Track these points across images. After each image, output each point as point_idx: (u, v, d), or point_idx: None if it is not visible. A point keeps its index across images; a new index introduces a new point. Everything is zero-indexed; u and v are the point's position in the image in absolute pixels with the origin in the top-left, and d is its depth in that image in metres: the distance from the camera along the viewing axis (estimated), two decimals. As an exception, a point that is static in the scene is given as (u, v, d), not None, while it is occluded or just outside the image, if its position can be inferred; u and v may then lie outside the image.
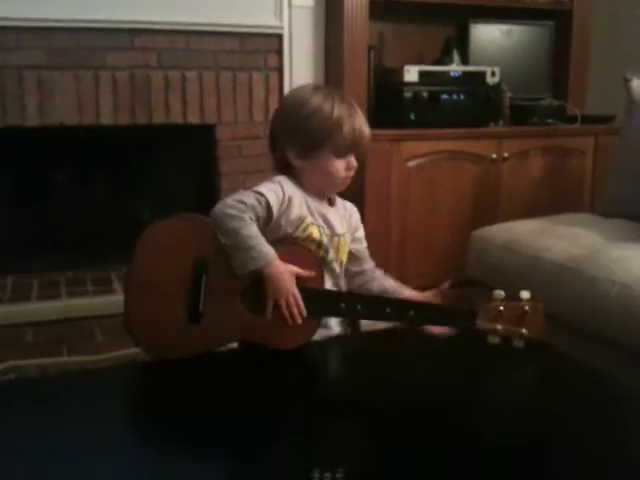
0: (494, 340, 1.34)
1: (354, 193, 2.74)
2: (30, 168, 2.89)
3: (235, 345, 1.45)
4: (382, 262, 2.69)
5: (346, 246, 1.53)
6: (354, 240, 1.58)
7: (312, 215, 1.47)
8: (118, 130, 2.80)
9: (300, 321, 1.35)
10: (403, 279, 2.78)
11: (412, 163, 2.80)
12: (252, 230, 1.35)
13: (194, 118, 2.86)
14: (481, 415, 1.19)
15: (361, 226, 1.61)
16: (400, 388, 1.29)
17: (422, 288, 2.61)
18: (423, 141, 2.81)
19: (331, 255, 1.48)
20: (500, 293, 1.35)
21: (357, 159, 1.48)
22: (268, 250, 1.34)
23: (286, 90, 2.94)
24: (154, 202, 3.02)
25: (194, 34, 2.79)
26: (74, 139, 2.80)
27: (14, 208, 2.92)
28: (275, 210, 1.40)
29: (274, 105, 2.92)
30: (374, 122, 2.88)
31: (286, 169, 1.49)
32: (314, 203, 1.48)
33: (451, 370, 1.39)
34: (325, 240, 1.47)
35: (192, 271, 1.35)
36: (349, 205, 1.60)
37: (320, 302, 1.38)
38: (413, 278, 2.83)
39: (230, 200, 1.37)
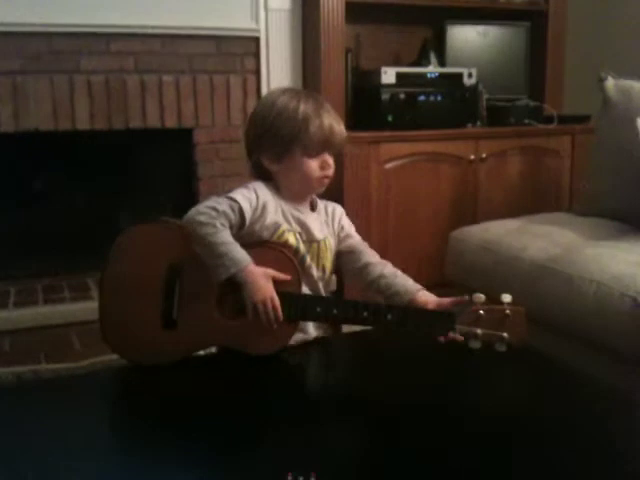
0: (475, 345, 1.31)
1: (333, 195, 2.76)
2: (6, 174, 2.86)
3: (213, 350, 1.44)
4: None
5: (328, 251, 1.49)
6: (342, 239, 1.53)
7: (288, 221, 1.44)
8: (95, 135, 2.77)
9: (275, 326, 1.34)
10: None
11: (390, 165, 2.81)
12: (223, 237, 1.33)
13: (171, 122, 2.85)
14: (464, 419, 1.18)
15: (347, 222, 1.56)
16: (380, 391, 1.28)
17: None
18: (401, 143, 2.82)
19: (308, 261, 1.46)
20: (480, 296, 1.32)
21: (333, 158, 1.46)
22: (241, 256, 1.33)
23: (264, 93, 2.93)
24: (132, 207, 3.00)
25: (170, 38, 2.78)
26: (51, 145, 2.77)
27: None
28: (248, 216, 1.39)
29: (252, 108, 2.90)
30: (352, 124, 2.91)
31: (263, 175, 1.48)
32: (290, 209, 1.46)
33: (433, 373, 1.38)
34: (302, 247, 1.45)
35: (166, 277, 1.34)
36: (332, 205, 1.56)
37: (296, 306, 1.36)
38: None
39: (202, 207, 1.35)
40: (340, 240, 1.54)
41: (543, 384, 1.35)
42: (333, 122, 1.43)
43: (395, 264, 2.79)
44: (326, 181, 1.46)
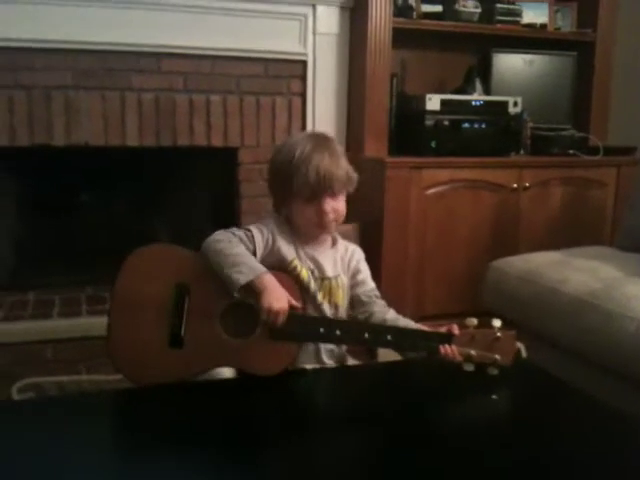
0: (469, 368, 1.39)
1: (373, 218, 2.78)
2: (56, 186, 2.94)
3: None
4: (399, 289, 2.75)
5: (340, 289, 1.51)
6: (356, 284, 1.56)
7: (300, 258, 1.47)
8: (143, 151, 2.84)
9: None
10: (420, 306, 2.83)
11: (432, 191, 2.81)
12: (240, 249, 1.39)
13: (217, 141, 2.90)
14: (480, 444, 1.19)
15: (364, 268, 1.58)
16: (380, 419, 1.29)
17: (439, 316, 2.64)
18: (443, 169, 2.82)
19: (319, 298, 1.48)
20: (472, 320, 1.41)
21: (342, 198, 1.46)
22: (258, 266, 1.37)
23: (309, 115, 2.97)
24: (176, 223, 3.06)
25: (219, 59, 2.84)
26: (100, 159, 2.85)
27: (38, 225, 2.97)
28: (260, 246, 1.43)
29: (296, 130, 2.95)
30: (395, 149, 2.93)
31: (282, 213, 1.52)
32: (304, 245, 1.49)
33: (446, 398, 1.40)
34: (313, 283, 1.47)
35: (174, 295, 1.37)
36: (352, 247, 1.58)
37: (299, 326, 1.39)
38: (430, 306, 2.85)
39: (219, 231, 1.43)
40: (353, 284, 1.55)
41: (580, 420, 1.34)
42: (328, 166, 1.42)
43: (431, 288, 2.83)
44: (331, 224, 1.46)
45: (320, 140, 1.49)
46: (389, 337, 1.41)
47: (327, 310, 1.49)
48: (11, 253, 2.93)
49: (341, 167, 1.46)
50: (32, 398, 2.20)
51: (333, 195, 1.44)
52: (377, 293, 1.58)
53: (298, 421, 1.27)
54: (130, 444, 1.20)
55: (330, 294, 1.50)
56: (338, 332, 1.41)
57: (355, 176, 1.51)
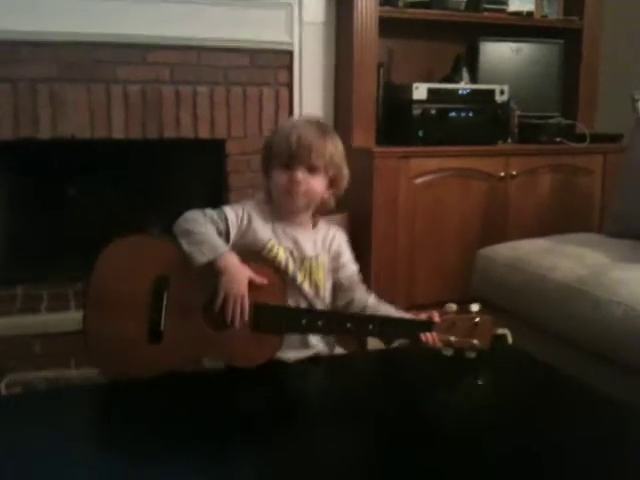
0: (448, 352, 1.41)
1: (362, 208, 2.78)
2: (42, 180, 2.92)
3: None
4: (389, 278, 2.76)
5: (320, 269, 1.52)
6: (337, 268, 1.56)
7: (278, 237, 1.48)
8: (129, 143, 2.82)
9: (237, 325, 1.35)
10: (411, 295, 2.83)
11: (420, 180, 2.81)
12: (207, 228, 1.38)
13: (204, 133, 2.88)
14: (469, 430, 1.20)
15: (345, 251, 1.58)
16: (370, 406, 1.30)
17: (429, 306, 2.64)
18: (431, 158, 2.82)
19: (299, 278, 1.48)
20: (452, 306, 1.44)
21: (333, 180, 1.49)
22: (221, 245, 1.37)
23: (296, 105, 2.96)
24: (163, 215, 3.03)
25: (205, 50, 2.82)
26: (86, 152, 2.83)
27: (25, 219, 2.94)
28: (233, 225, 1.44)
29: (283, 120, 2.94)
30: (382, 138, 2.93)
31: (269, 198, 1.53)
32: (283, 226, 1.50)
33: (433, 387, 1.42)
34: (291, 263, 1.48)
35: (152, 289, 1.34)
36: (333, 230, 1.59)
37: (281, 319, 1.39)
38: (421, 295, 2.85)
39: (189, 211, 1.43)
40: (334, 267, 1.55)
41: (569, 406, 1.35)
42: (304, 135, 1.44)
43: (422, 278, 2.83)
44: (297, 197, 1.46)
45: (314, 120, 1.54)
46: (371, 326, 1.42)
47: (307, 290, 1.50)
48: (-2, 247, 2.92)
49: (324, 145, 1.47)
50: (19, 393, 2.19)
51: (311, 169, 1.46)
52: (358, 278, 1.59)
53: (281, 414, 1.27)
54: (116, 438, 1.19)
55: (310, 274, 1.50)
56: (320, 323, 1.41)
57: (343, 167, 1.52)
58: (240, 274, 1.35)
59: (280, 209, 1.51)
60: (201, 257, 1.33)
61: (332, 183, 1.51)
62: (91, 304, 1.35)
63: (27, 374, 2.44)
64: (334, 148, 1.49)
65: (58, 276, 2.92)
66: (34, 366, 2.49)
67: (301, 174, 1.45)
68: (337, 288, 1.56)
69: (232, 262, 1.35)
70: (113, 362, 1.34)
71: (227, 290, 1.34)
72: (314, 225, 1.56)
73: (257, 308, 1.36)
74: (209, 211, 1.44)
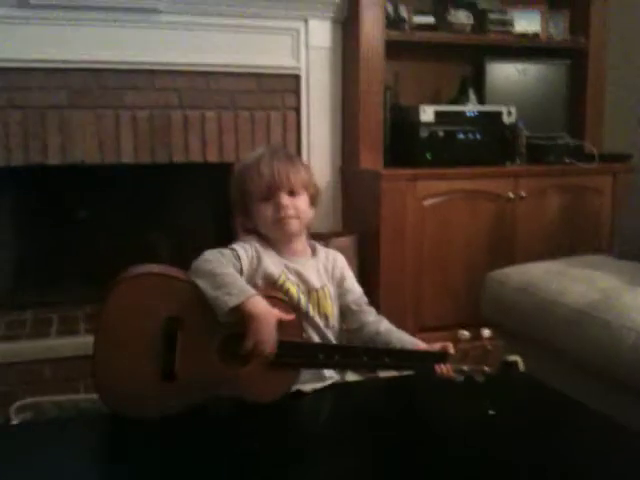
0: (459, 379, 1.41)
1: (369, 230, 2.78)
2: (51, 204, 2.94)
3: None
4: (397, 300, 2.75)
5: (328, 299, 1.50)
6: (344, 293, 1.54)
7: (285, 273, 1.46)
8: (139, 167, 2.84)
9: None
10: (419, 318, 2.82)
11: (428, 202, 2.81)
12: (229, 270, 1.35)
13: (213, 156, 2.90)
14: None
15: (348, 274, 1.57)
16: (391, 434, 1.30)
17: (437, 327, 2.64)
18: (439, 180, 2.82)
19: (311, 311, 1.47)
20: (465, 334, 1.42)
21: (312, 197, 1.49)
22: (247, 287, 1.33)
23: (303, 129, 2.98)
24: (173, 238, 3.07)
25: (213, 75, 2.85)
26: (95, 177, 2.85)
27: (35, 243, 2.96)
28: (246, 263, 1.41)
29: (291, 144, 2.95)
30: (390, 161, 2.93)
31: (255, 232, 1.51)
32: (285, 260, 1.47)
33: (445, 414, 1.42)
34: (303, 297, 1.46)
35: (165, 329, 1.32)
36: (333, 254, 1.57)
37: (298, 354, 1.38)
38: (429, 316, 2.84)
39: (206, 252, 1.39)
40: (341, 293, 1.54)
41: (581, 434, 1.34)
42: (280, 166, 1.45)
43: (429, 299, 2.83)
44: (290, 221, 1.45)
45: (274, 146, 1.59)
46: (387, 360, 1.41)
47: (320, 323, 1.48)
48: (9, 272, 2.93)
49: (297, 168, 1.47)
50: (26, 422, 2.19)
51: (291, 193, 1.45)
52: (365, 299, 1.57)
53: (300, 446, 1.27)
54: (127, 474, 1.18)
55: (319, 305, 1.48)
56: (337, 357, 1.40)
57: (316, 182, 1.53)
58: (270, 318, 1.32)
59: (275, 243, 1.48)
60: (230, 301, 1.29)
61: (312, 200, 1.51)
62: (101, 341, 1.32)
63: (37, 399, 2.44)
64: (306, 169, 1.51)
65: (68, 299, 2.93)
66: (44, 391, 2.48)
67: (285, 200, 1.44)
68: (346, 313, 1.55)
69: (261, 305, 1.31)
70: (125, 401, 1.32)
71: (258, 337, 1.30)
72: (313, 252, 1.54)
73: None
74: (224, 250, 1.41)
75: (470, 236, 2.87)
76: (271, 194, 1.44)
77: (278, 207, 1.44)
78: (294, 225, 1.46)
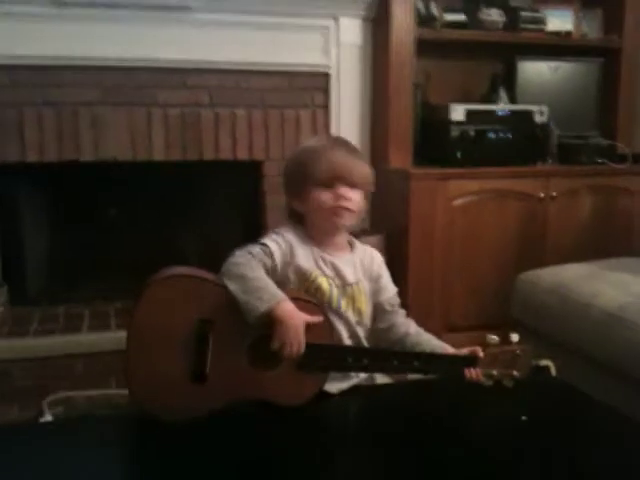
0: (488, 383, 1.41)
1: (398, 230, 2.78)
2: (84, 200, 2.98)
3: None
4: (426, 300, 2.75)
5: (362, 295, 1.50)
6: (379, 290, 1.54)
7: (319, 267, 1.46)
8: (169, 165, 2.87)
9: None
10: (447, 318, 2.82)
11: (458, 201, 2.80)
12: (260, 274, 1.36)
13: (243, 154, 2.92)
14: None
15: (385, 272, 1.57)
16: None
17: (465, 328, 2.63)
18: (469, 180, 2.81)
19: (343, 306, 1.47)
20: (494, 338, 1.42)
21: (362, 194, 1.48)
22: (278, 292, 1.34)
23: (332, 127, 2.98)
24: (203, 235, 3.09)
25: (243, 73, 2.86)
26: (127, 174, 2.88)
27: (66, 239, 3.01)
28: (278, 259, 1.42)
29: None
30: (419, 160, 2.92)
31: (297, 219, 1.51)
32: (322, 253, 1.48)
33: (477, 420, 1.42)
34: (335, 292, 1.46)
35: (196, 331, 1.32)
36: (370, 251, 1.57)
37: (326, 358, 1.38)
38: (457, 317, 2.84)
39: (238, 252, 1.40)
40: (375, 290, 1.54)
41: (614, 441, 1.33)
42: (346, 157, 1.46)
43: (458, 299, 2.82)
44: (344, 213, 1.46)
45: (340, 138, 1.55)
46: (416, 363, 1.41)
47: (352, 318, 1.48)
48: (41, 268, 2.97)
49: (361, 163, 1.49)
50: (56, 419, 2.22)
51: (351, 185, 1.45)
52: (398, 300, 1.58)
53: (327, 448, 1.27)
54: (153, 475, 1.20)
55: (353, 300, 1.49)
56: (366, 361, 1.41)
57: (373, 178, 1.52)
58: (298, 322, 1.32)
59: (319, 234, 1.49)
60: (260, 306, 1.30)
61: (366, 197, 1.52)
62: (133, 342, 1.33)
63: (69, 393, 2.48)
64: (368, 165, 1.51)
65: (99, 295, 2.97)
66: (76, 385, 2.52)
67: (345, 192, 1.45)
68: (379, 311, 1.55)
69: (290, 310, 1.32)
70: (155, 402, 1.32)
71: (285, 339, 1.31)
72: (351, 247, 1.55)
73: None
74: (255, 249, 1.41)
75: (500, 236, 2.86)
76: (332, 183, 1.44)
77: (337, 197, 1.44)
78: (348, 218, 1.47)
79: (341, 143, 1.51)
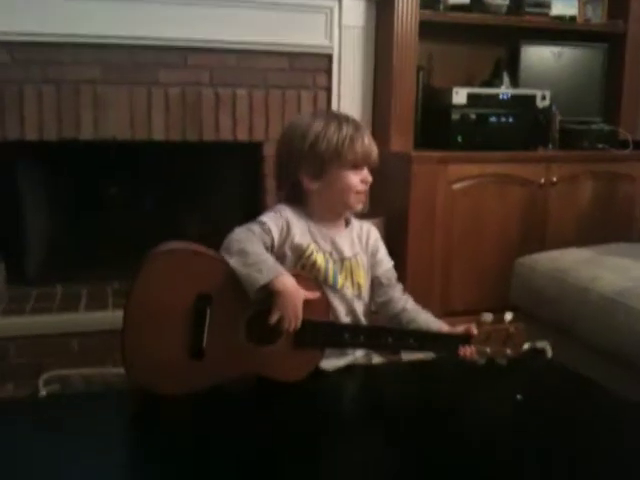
0: (481, 361, 1.43)
1: (398, 212, 2.77)
2: (82, 180, 2.97)
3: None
4: (425, 284, 2.74)
5: (361, 268, 1.53)
6: (375, 264, 1.57)
7: (316, 241, 1.48)
8: (168, 146, 2.85)
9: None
10: (446, 302, 2.81)
11: (458, 185, 2.79)
12: (260, 248, 1.37)
13: (243, 135, 2.90)
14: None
15: (381, 246, 1.59)
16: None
17: (465, 312, 2.63)
18: (470, 163, 2.80)
19: (340, 281, 1.49)
20: (488, 316, 1.44)
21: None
22: (276, 265, 1.35)
23: (334, 108, 2.95)
24: (202, 216, 3.08)
25: (245, 53, 2.83)
26: (127, 153, 2.87)
27: (65, 218, 3.00)
28: (276, 236, 1.44)
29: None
30: (421, 143, 2.91)
31: (297, 196, 1.52)
32: (320, 228, 1.50)
33: (473, 399, 1.42)
34: (331, 266, 1.48)
35: (194, 306, 1.32)
36: (367, 226, 1.60)
37: (323, 334, 1.38)
38: (457, 300, 2.83)
39: (237, 229, 1.41)
40: (373, 263, 1.57)
41: (612, 422, 1.33)
42: (370, 140, 1.49)
43: (458, 283, 2.82)
44: (363, 197, 1.51)
45: (351, 117, 1.54)
46: (412, 341, 1.44)
47: (350, 293, 1.50)
48: (39, 247, 2.96)
49: (374, 144, 1.51)
50: (53, 394, 2.22)
51: (370, 168, 1.50)
52: (395, 274, 1.60)
53: (323, 426, 1.27)
54: (151, 450, 1.20)
55: (352, 274, 1.51)
56: (362, 338, 1.42)
57: None
58: (296, 295, 1.33)
59: (326, 211, 1.51)
60: (260, 278, 1.30)
61: None
62: (130, 317, 1.33)
63: (65, 371, 2.48)
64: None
65: (97, 275, 2.96)
66: (72, 364, 2.52)
67: (368, 173, 1.50)
68: (376, 285, 1.57)
69: (289, 284, 1.33)
70: (153, 377, 1.32)
71: (284, 311, 1.32)
72: (347, 223, 1.57)
73: (301, 324, 1.35)
74: (254, 227, 1.42)
75: (500, 221, 2.85)
76: (362, 166, 1.48)
77: (364, 180, 1.48)
78: (363, 201, 1.52)
79: (359, 125, 1.51)
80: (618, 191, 2.99)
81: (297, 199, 1.52)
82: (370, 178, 1.49)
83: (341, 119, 1.49)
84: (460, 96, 2.82)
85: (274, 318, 1.32)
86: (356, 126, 1.49)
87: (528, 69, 3.16)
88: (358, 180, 1.47)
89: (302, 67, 2.93)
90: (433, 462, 1.14)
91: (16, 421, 1.27)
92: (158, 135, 2.80)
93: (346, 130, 1.47)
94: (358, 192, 1.48)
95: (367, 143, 1.47)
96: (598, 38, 3.25)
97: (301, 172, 1.48)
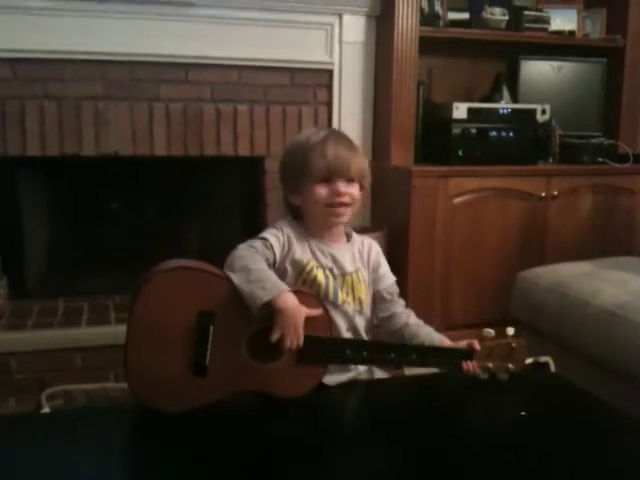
0: (484, 376, 1.43)
1: (399, 226, 2.77)
2: (84, 195, 2.98)
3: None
4: (426, 297, 2.74)
5: (362, 284, 1.52)
6: (378, 279, 1.56)
7: (316, 258, 1.47)
8: (171, 160, 2.86)
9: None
10: (447, 315, 2.82)
11: (459, 199, 2.80)
12: (262, 266, 1.37)
13: (244, 150, 2.91)
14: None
15: (383, 261, 1.58)
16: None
17: (465, 326, 2.63)
18: (471, 178, 2.81)
19: (341, 297, 1.48)
20: (490, 332, 1.44)
21: (361, 187, 1.49)
22: (280, 283, 1.35)
23: (335, 124, 2.98)
24: (203, 231, 3.09)
25: (246, 69, 2.86)
26: (128, 168, 2.88)
27: (67, 232, 3.01)
28: (278, 252, 1.43)
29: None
30: (421, 157, 2.92)
31: (294, 212, 1.52)
32: (319, 244, 1.49)
33: (475, 414, 1.42)
34: (331, 282, 1.47)
35: (197, 323, 1.32)
36: (368, 240, 1.59)
37: (326, 350, 1.38)
38: (457, 314, 2.83)
39: (240, 246, 1.40)
40: (375, 279, 1.55)
41: (612, 436, 1.33)
42: (341, 150, 1.45)
43: (458, 297, 2.82)
44: (342, 209, 1.46)
45: (338, 131, 1.56)
46: (414, 356, 1.43)
47: (351, 308, 1.49)
48: (41, 261, 2.97)
49: (358, 156, 1.48)
50: (55, 411, 2.22)
51: (349, 180, 1.46)
52: (397, 289, 1.59)
53: (325, 440, 1.27)
54: (153, 466, 1.19)
55: (353, 289, 1.50)
56: (365, 353, 1.41)
57: (369, 171, 1.53)
58: (298, 314, 1.33)
59: (317, 226, 1.50)
60: (264, 295, 1.30)
61: (363, 190, 1.52)
62: (133, 336, 1.32)
63: (67, 387, 2.48)
64: (365, 159, 1.52)
65: (98, 289, 2.97)
66: (74, 379, 2.52)
67: (343, 187, 1.45)
68: (378, 300, 1.56)
69: (290, 302, 1.33)
70: (155, 394, 1.32)
71: (285, 330, 1.32)
72: (348, 238, 1.56)
73: (303, 340, 1.35)
74: (256, 243, 1.42)
75: (500, 235, 2.86)
76: (330, 178, 1.45)
77: (335, 193, 1.45)
78: (346, 212, 1.48)
79: (337, 136, 1.50)
80: (618, 204, 3.00)
81: (294, 214, 1.52)
82: (345, 189, 1.45)
83: (316, 131, 1.49)
84: (460, 111, 2.83)
85: (275, 336, 1.32)
86: (327, 137, 1.47)
87: (528, 84, 3.18)
88: (326, 192, 1.44)
89: (303, 83, 2.95)
90: (435, 476, 1.14)
91: (19, 437, 1.27)
92: (160, 150, 2.81)
93: (313, 142, 1.46)
94: (330, 205, 1.45)
95: (336, 154, 1.44)
96: (597, 53, 3.26)
97: (285, 188, 1.51)
